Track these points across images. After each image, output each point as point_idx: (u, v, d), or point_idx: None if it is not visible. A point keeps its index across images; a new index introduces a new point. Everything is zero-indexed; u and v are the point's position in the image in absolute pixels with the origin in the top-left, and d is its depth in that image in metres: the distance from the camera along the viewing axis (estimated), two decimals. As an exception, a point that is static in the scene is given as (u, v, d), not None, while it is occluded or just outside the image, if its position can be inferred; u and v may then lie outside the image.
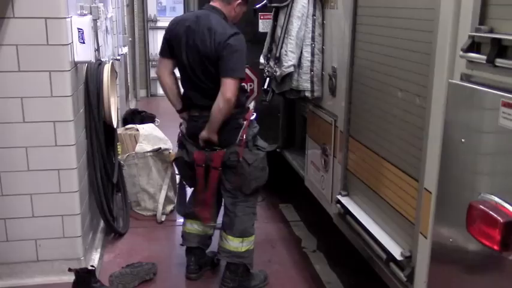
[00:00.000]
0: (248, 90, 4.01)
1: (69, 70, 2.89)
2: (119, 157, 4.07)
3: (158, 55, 3.17)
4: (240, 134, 2.96)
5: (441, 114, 1.85)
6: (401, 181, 2.26)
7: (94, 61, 3.29)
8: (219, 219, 3.30)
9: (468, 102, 1.69)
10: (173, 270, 3.43)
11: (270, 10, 3.58)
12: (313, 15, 3.20)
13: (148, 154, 4.19)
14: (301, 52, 3.22)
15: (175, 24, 2.98)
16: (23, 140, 2.93)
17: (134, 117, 6.17)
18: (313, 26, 3.20)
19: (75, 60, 3.00)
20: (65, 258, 3.13)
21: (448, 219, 1.83)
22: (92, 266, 3.13)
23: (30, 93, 2.86)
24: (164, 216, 4.16)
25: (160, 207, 4.14)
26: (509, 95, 1.49)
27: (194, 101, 3.02)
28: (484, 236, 1.54)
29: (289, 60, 3.20)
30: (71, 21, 2.93)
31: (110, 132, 3.59)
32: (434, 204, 1.93)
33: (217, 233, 3.34)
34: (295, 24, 3.18)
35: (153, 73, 8.97)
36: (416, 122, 2.10)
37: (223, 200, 3.19)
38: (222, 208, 3.25)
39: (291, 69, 3.22)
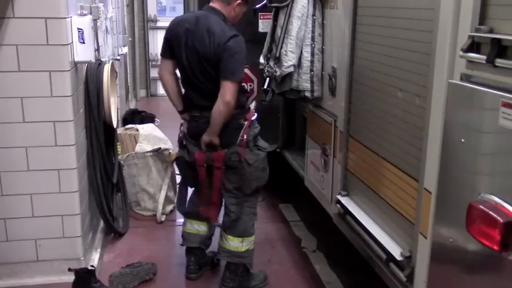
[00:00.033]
0: (248, 90, 4.01)
1: (69, 70, 2.89)
2: (119, 157, 4.07)
3: (159, 56, 3.17)
4: (241, 134, 2.96)
5: (441, 115, 1.85)
6: (401, 181, 2.26)
7: (94, 61, 3.29)
8: (219, 219, 3.30)
9: (468, 102, 1.69)
10: (173, 270, 3.43)
11: (270, 10, 3.58)
12: (313, 15, 3.20)
13: (148, 154, 4.19)
14: (301, 52, 3.23)
15: (175, 24, 2.98)
16: (23, 140, 2.93)
17: (134, 117, 6.17)
18: (313, 26, 3.21)
19: (75, 60, 3.00)
20: (64, 258, 3.12)
21: (447, 219, 1.83)
22: (92, 266, 3.13)
23: (30, 93, 2.86)
24: (164, 216, 4.17)
25: (160, 207, 4.14)
26: (509, 95, 1.49)
27: (194, 101, 3.02)
28: (483, 236, 1.54)
29: (289, 60, 3.20)
30: (71, 21, 2.93)
31: (109, 132, 3.59)
32: (434, 204, 1.93)
33: (217, 233, 3.34)
34: (295, 24, 3.18)
35: (153, 73, 8.98)
36: (416, 122, 2.10)
37: (223, 199, 3.19)
38: (222, 208, 3.25)
39: (291, 69, 3.22)
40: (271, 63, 3.34)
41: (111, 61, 4.21)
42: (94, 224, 3.61)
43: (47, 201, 3.04)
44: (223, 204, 3.24)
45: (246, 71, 4.02)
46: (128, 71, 7.42)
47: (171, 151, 4.25)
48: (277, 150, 4.29)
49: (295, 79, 3.26)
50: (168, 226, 4.10)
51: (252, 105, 3.33)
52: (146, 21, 8.85)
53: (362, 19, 2.64)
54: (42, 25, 2.78)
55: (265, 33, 3.64)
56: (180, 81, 3.10)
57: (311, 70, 3.23)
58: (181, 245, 3.37)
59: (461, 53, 1.71)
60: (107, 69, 3.34)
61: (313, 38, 3.21)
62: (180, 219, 3.81)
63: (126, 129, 4.59)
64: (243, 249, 3.12)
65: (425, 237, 2.02)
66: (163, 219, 4.14)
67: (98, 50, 3.54)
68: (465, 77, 1.75)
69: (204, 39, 2.83)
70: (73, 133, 2.99)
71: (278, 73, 3.28)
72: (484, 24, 1.65)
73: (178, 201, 3.42)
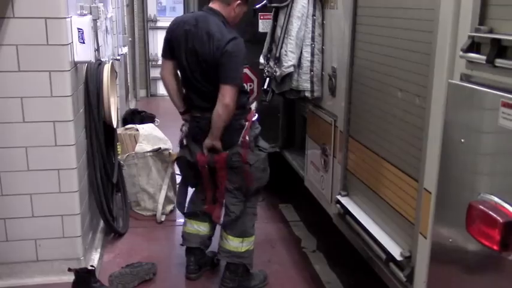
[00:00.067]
0: (248, 90, 4.01)
1: (69, 70, 2.89)
2: (119, 157, 4.07)
3: (160, 56, 3.18)
4: (242, 135, 2.97)
5: (441, 115, 1.85)
6: (401, 181, 2.26)
7: (94, 61, 3.29)
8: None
9: (468, 102, 1.69)
10: (173, 270, 3.43)
11: (270, 10, 3.58)
12: (313, 15, 3.20)
13: (148, 154, 4.19)
14: (301, 52, 3.23)
15: (175, 25, 2.98)
16: (23, 140, 2.93)
17: (134, 117, 6.17)
18: (313, 26, 3.21)
19: (75, 60, 3.00)
20: (64, 258, 3.12)
21: (447, 220, 1.83)
22: (92, 266, 3.13)
23: (30, 93, 2.86)
24: (164, 216, 4.17)
25: (160, 207, 4.14)
26: (508, 95, 1.49)
27: (195, 102, 3.03)
28: (483, 236, 1.54)
29: (289, 60, 3.20)
30: (70, 21, 2.93)
31: (109, 132, 3.59)
32: (434, 205, 1.93)
33: (217, 233, 3.34)
34: (295, 25, 3.18)
35: (152, 73, 8.98)
36: (416, 122, 2.10)
37: (224, 200, 3.19)
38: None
39: (291, 69, 3.22)
40: (271, 63, 3.34)
41: (111, 61, 4.21)
42: (94, 224, 3.61)
43: (47, 201, 3.04)
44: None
45: (246, 71, 4.02)
46: (128, 71, 7.42)
47: (171, 151, 4.26)
48: (277, 150, 4.29)
49: (295, 79, 3.27)
50: (168, 226, 4.10)
51: (253, 106, 3.33)
52: (146, 21, 8.85)
53: (362, 19, 2.64)
54: (42, 25, 2.78)
55: (265, 33, 3.64)
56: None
57: (311, 70, 3.23)
58: (181, 245, 3.37)
59: (461, 53, 1.72)
60: (106, 69, 3.34)
61: (313, 38, 3.21)
62: (180, 219, 3.81)
63: (126, 129, 4.60)
64: (243, 250, 3.12)
65: (425, 237, 2.02)
66: (163, 219, 4.14)
67: (97, 50, 3.54)
68: (465, 77, 1.75)
69: (203, 42, 2.83)
70: (73, 133, 2.99)
71: (278, 73, 3.28)
72: (484, 24, 1.65)
73: (179, 201, 3.42)
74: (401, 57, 2.21)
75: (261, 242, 3.64)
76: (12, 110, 2.87)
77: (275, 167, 3.27)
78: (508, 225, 1.47)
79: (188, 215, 3.34)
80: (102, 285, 3.02)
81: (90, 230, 3.46)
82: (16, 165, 2.95)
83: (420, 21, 2.05)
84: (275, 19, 3.42)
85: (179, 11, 8.70)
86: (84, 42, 2.99)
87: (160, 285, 3.27)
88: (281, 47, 3.24)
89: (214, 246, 3.38)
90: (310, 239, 3.91)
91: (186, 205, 3.39)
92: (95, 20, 3.35)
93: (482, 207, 1.55)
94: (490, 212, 1.52)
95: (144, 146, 4.24)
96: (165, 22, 8.46)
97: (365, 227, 2.54)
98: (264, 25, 4.01)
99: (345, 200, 2.85)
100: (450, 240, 1.80)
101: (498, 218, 1.49)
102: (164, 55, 3.06)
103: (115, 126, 3.61)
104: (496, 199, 1.54)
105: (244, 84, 3.65)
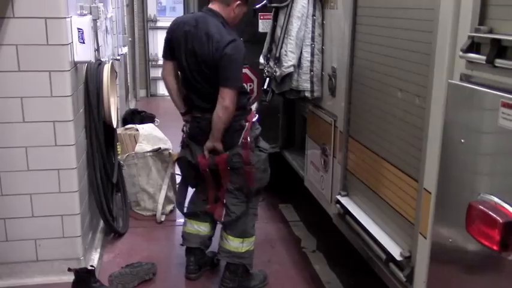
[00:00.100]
0: (248, 90, 4.01)
1: (69, 70, 2.89)
2: (119, 157, 4.07)
3: (161, 57, 3.18)
4: (243, 136, 2.97)
5: (441, 115, 1.85)
6: (400, 181, 2.26)
7: (94, 61, 3.29)
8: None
9: (468, 102, 1.69)
10: (173, 270, 3.43)
11: (270, 10, 3.58)
12: (313, 15, 3.20)
13: (148, 154, 4.19)
14: (301, 52, 3.23)
15: (175, 26, 2.98)
16: (23, 140, 2.93)
17: (134, 117, 6.17)
18: (313, 26, 3.21)
19: (75, 60, 3.00)
20: (64, 258, 3.12)
21: (447, 220, 1.83)
22: (92, 266, 3.13)
23: (30, 93, 2.86)
24: (164, 216, 4.17)
25: (159, 207, 4.14)
26: (508, 96, 1.49)
27: (195, 103, 3.03)
28: (483, 236, 1.54)
29: (289, 60, 3.20)
30: (70, 21, 2.93)
31: (109, 132, 3.59)
32: (433, 205, 1.93)
33: (217, 233, 3.34)
34: (295, 25, 3.18)
35: (152, 73, 8.98)
36: (416, 123, 2.10)
37: (224, 200, 3.19)
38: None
39: (291, 69, 3.22)
40: (271, 63, 3.34)
41: (111, 61, 4.21)
42: (94, 224, 3.61)
43: (47, 201, 3.04)
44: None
45: (246, 71, 4.03)
46: (128, 71, 7.42)
47: (170, 151, 4.26)
48: (277, 150, 4.29)
49: (295, 79, 3.27)
50: (167, 226, 4.10)
51: (253, 107, 3.33)
52: (146, 21, 8.85)
53: (362, 19, 2.64)
54: (42, 25, 2.78)
55: (265, 33, 3.64)
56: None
57: (311, 70, 3.23)
58: (181, 245, 3.37)
59: (461, 53, 1.72)
60: (106, 69, 3.34)
61: (313, 38, 3.21)
62: (180, 219, 3.81)
63: (126, 129, 4.60)
64: (243, 250, 3.12)
65: (425, 238, 2.02)
66: (163, 219, 4.14)
67: (97, 50, 3.54)
68: (465, 77, 1.75)
69: (202, 43, 2.84)
70: (73, 133, 2.99)
71: (278, 73, 3.28)
72: (484, 24, 1.65)
73: (178, 201, 3.42)
74: (401, 57, 2.21)
75: (261, 242, 3.64)
76: (12, 110, 2.87)
77: (275, 167, 3.27)
78: (507, 225, 1.47)
79: (188, 215, 3.34)
80: (102, 285, 3.02)
81: (90, 230, 3.46)
82: (16, 165, 2.95)
83: (420, 21, 2.06)
84: (275, 19, 3.42)
85: (179, 11, 8.70)
86: (84, 42, 2.99)
87: (160, 285, 3.27)
88: (281, 47, 3.24)
89: (214, 246, 3.37)
90: (310, 239, 3.91)
91: (186, 205, 3.40)
92: (95, 20, 3.35)
93: (482, 208, 1.55)
94: (490, 212, 1.52)
95: (144, 146, 4.24)
96: (165, 22, 8.47)
97: (365, 227, 2.54)
98: (264, 25, 4.01)
99: (344, 200, 2.85)
100: (450, 240, 1.80)
101: (498, 218, 1.49)
102: (165, 56, 3.07)
103: (115, 126, 3.61)
104: (496, 199, 1.55)
105: (245, 85, 3.65)
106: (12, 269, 3.09)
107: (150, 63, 8.98)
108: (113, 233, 3.82)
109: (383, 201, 2.44)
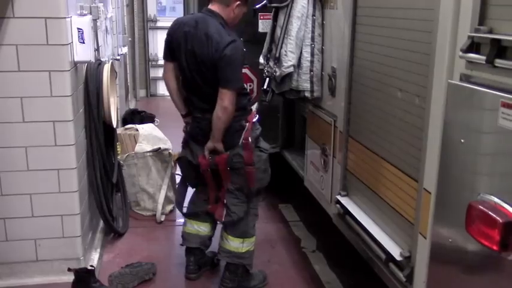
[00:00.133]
0: (248, 90, 4.01)
1: (68, 70, 2.89)
2: (119, 157, 4.07)
3: (162, 58, 3.18)
4: (243, 136, 2.97)
5: (441, 115, 1.85)
6: (400, 181, 2.26)
7: (94, 61, 3.29)
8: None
9: (467, 102, 1.69)
10: (172, 270, 3.43)
11: (270, 10, 3.58)
12: (313, 15, 3.20)
13: (148, 154, 4.19)
14: (301, 52, 3.23)
15: (176, 27, 2.99)
16: (23, 140, 2.93)
17: (134, 117, 6.17)
18: (313, 26, 3.21)
19: (75, 60, 3.00)
20: (64, 258, 3.12)
21: (447, 220, 1.83)
22: (92, 265, 3.13)
23: (30, 93, 2.86)
24: (164, 216, 4.17)
25: (159, 207, 4.14)
26: (508, 96, 1.49)
27: (196, 103, 3.04)
28: (483, 236, 1.54)
29: (288, 60, 3.20)
30: (70, 21, 2.93)
31: (109, 132, 3.59)
32: (433, 205, 1.93)
33: (217, 233, 3.34)
34: (295, 25, 3.18)
35: (152, 73, 8.99)
36: (416, 123, 2.10)
37: (225, 200, 3.19)
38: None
39: (291, 69, 3.22)
40: (271, 63, 3.34)
41: (110, 61, 4.21)
42: (94, 224, 3.61)
43: (47, 201, 3.04)
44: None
45: (246, 71, 4.03)
46: (128, 71, 7.42)
47: (170, 151, 4.26)
48: (278, 150, 4.29)
49: (295, 79, 3.27)
50: (167, 226, 4.10)
51: (254, 107, 3.33)
52: (146, 21, 8.85)
53: (362, 19, 2.64)
54: (42, 25, 2.78)
55: (265, 34, 3.64)
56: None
57: (311, 70, 3.23)
58: (181, 245, 3.37)
59: (460, 53, 1.72)
60: (106, 69, 3.34)
61: (313, 38, 3.21)
62: (180, 219, 3.81)
63: (126, 129, 4.60)
64: (243, 250, 3.12)
65: (425, 238, 2.02)
66: (162, 219, 4.14)
67: (97, 50, 3.54)
68: (465, 78, 1.75)
69: (202, 44, 2.84)
70: (73, 133, 2.99)
71: (278, 73, 3.28)
72: (484, 24, 1.65)
73: (177, 201, 3.42)
74: (401, 57, 2.21)
75: (261, 242, 3.64)
76: (12, 110, 2.87)
77: (275, 167, 3.27)
78: (507, 225, 1.47)
79: (188, 216, 3.34)
80: (101, 285, 3.02)
81: (90, 230, 3.46)
82: (16, 165, 2.95)
83: (420, 22, 2.06)
84: (275, 19, 3.42)
85: (179, 11, 8.70)
86: (84, 42, 2.99)
87: (160, 285, 3.27)
88: (281, 47, 3.24)
89: (214, 246, 3.38)
90: (310, 239, 3.91)
91: (186, 205, 3.40)
92: (94, 20, 3.35)
93: (481, 208, 1.55)
94: (490, 212, 1.52)
95: (143, 146, 4.24)
96: (165, 22, 8.48)
97: (365, 227, 2.54)
98: (263, 25, 4.01)
99: (344, 200, 2.85)
100: (450, 240, 1.80)
101: (498, 218, 1.49)
102: (165, 57, 3.07)
103: (115, 126, 3.61)
104: (496, 199, 1.55)
105: (245, 85, 3.65)
106: (12, 269, 3.09)
107: (150, 63, 8.98)
108: (112, 233, 3.82)
109: (383, 201, 2.44)
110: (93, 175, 3.39)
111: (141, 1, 8.71)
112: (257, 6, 3.74)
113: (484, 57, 1.59)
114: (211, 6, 2.96)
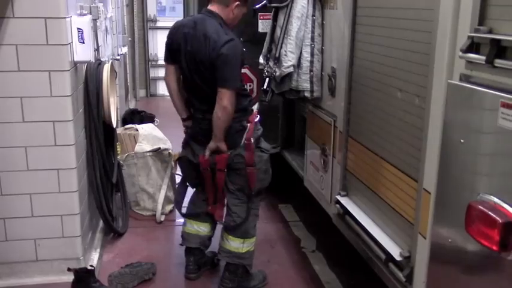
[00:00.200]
0: (248, 90, 4.01)
1: (68, 70, 2.89)
2: (118, 157, 4.07)
3: (162, 59, 3.18)
4: (246, 137, 2.97)
5: (440, 115, 1.85)
6: (400, 181, 2.26)
7: (93, 61, 3.29)
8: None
9: (467, 102, 1.69)
10: (172, 270, 3.43)
11: (270, 10, 3.58)
12: (313, 15, 3.20)
13: (148, 154, 4.19)
14: (301, 52, 3.23)
15: (175, 29, 2.99)
16: (23, 140, 2.93)
17: (134, 117, 6.17)
18: (313, 27, 3.21)
19: (75, 60, 3.00)
20: (64, 258, 3.12)
21: (447, 220, 1.83)
22: (91, 265, 3.13)
23: (30, 93, 2.86)
24: (163, 216, 4.17)
25: (159, 207, 4.14)
26: (508, 96, 1.49)
27: (196, 104, 3.05)
28: (483, 237, 1.54)
29: (288, 60, 3.20)
30: (70, 21, 2.93)
31: (109, 132, 3.59)
32: (433, 205, 1.93)
33: (217, 233, 3.34)
34: (295, 25, 3.18)
35: (152, 73, 8.99)
36: (416, 123, 2.10)
37: (225, 200, 3.20)
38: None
39: (291, 69, 3.22)
40: (271, 63, 3.34)
41: (110, 61, 4.21)
42: (93, 224, 3.61)
43: (47, 201, 3.04)
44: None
45: (246, 71, 4.03)
46: (128, 71, 7.42)
47: (170, 151, 4.26)
48: (278, 151, 4.29)
49: (295, 79, 3.27)
50: (167, 226, 4.10)
51: (255, 107, 3.33)
52: (146, 21, 8.85)
53: (362, 19, 2.64)
54: (42, 25, 2.78)
55: (264, 34, 3.64)
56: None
57: (311, 70, 3.23)
58: (181, 245, 3.37)
59: (460, 53, 1.72)
60: (106, 69, 3.34)
61: (312, 38, 3.21)
62: (180, 219, 3.81)
63: (126, 129, 4.60)
64: (243, 250, 3.12)
65: (425, 238, 2.02)
66: (162, 219, 4.14)
67: (97, 49, 3.54)
68: (464, 78, 1.75)
69: (200, 44, 2.84)
70: (72, 133, 2.99)
71: (278, 73, 3.28)
72: (484, 24, 1.65)
73: (177, 200, 3.42)
74: (401, 57, 2.21)
75: (261, 242, 3.64)
76: (12, 109, 2.87)
77: (275, 167, 3.27)
78: (507, 225, 1.47)
79: (188, 216, 3.34)
80: (101, 285, 3.02)
81: (90, 230, 3.46)
82: (16, 165, 2.95)
83: (420, 22, 2.06)
84: (275, 19, 3.42)
85: (179, 11, 8.70)
86: (83, 42, 2.99)
87: (159, 285, 3.27)
88: (281, 47, 3.24)
89: (214, 246, 3.38)
90: (309, 239, 3.92)
91: (186, 206, 3.40)
92: (94, 20, 3.34)
93: (481, 208, 1.55)
94: (490, 213, 1.52)
95: (143, 146, 4.24)
96: (165, 22, 8.49)
97: (364, 227, 2.54)
98: (263, 25, 4.01)
99: (344, 200, 2.85)
100: (449, 240, 1.80)
101: (497, 218, 1.49)
102: (166, 60, 3.08)
103: (114, 126, 3.61)
104: (496, 199, 1.55)
105: (245, 86, 3.65)
106: (12, 268, 3.09)
107: (149, 63, 8.98)
108: (112, 233, 3.82)
109: (382, 201, 2.44)
110: (93, 175, 3.39)
111: (141, 1, 8.71)
112: (257, 6, 3.74)
113: (483, 58, 1.59)
114: (210, 7, 2.96)
